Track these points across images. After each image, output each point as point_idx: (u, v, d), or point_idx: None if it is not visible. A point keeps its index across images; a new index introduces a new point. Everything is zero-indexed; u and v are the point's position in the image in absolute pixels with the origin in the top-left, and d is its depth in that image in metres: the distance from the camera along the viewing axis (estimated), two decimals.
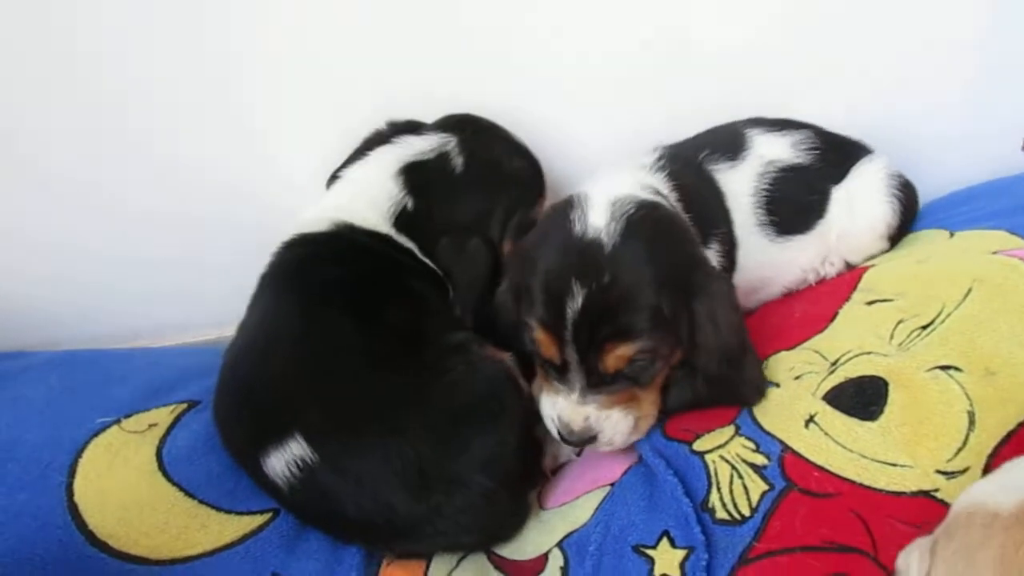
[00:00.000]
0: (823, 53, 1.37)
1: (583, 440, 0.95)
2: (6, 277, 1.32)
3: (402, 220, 1.16)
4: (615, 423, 0.95)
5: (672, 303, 0.89)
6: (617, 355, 0.89)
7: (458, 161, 1.20)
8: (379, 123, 1.26)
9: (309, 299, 1.04)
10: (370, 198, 1.16)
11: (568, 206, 0.94)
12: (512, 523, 0.99)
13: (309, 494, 0.93)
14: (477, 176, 1.20)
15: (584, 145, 1.38)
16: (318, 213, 1.16)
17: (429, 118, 1.27)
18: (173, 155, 1.29)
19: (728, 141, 1.21)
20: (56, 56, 1.18)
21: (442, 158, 1.20)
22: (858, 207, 1.22)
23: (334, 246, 1.12)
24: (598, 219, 0.91)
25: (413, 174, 1.18)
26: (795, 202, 1.19)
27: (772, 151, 1.20)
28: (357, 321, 1.01)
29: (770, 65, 1.37)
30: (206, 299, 1.34)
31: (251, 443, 0.96)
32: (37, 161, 1.25)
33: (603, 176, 1.08)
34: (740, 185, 1.17)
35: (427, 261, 1.16)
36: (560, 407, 0.95)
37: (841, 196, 1.22)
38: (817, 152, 1.21)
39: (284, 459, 0.92)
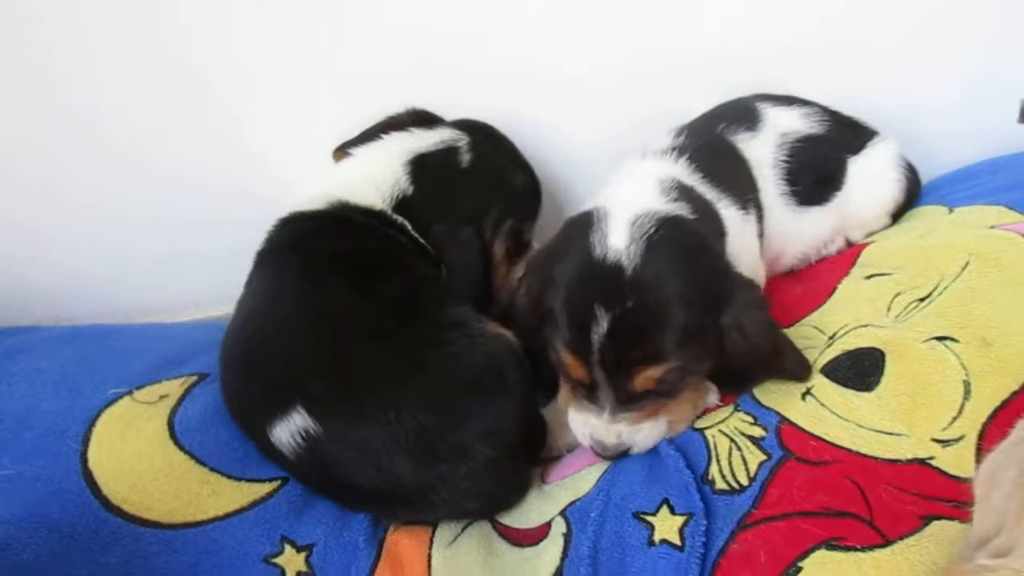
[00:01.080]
0: (821, 33, 1.37)
1: (617, 454, 0.95)
2: (21, 258, 1.35)
3: (401, 205, 1.18)
4: (647, 434, 0.95)
5: (699, 320, 0.88)
6: (646, 377, 0.88)
7: (465, 158, 1.23)
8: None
9: (307, 272, 1.06)
10: (376, 181, 1.18)
11: (588, 224, 0.93)
12: (515, 492, 1.00)
13: (315, 463, 0.94)
14: (479, 176, 1.23)
15: (584, 146, 1.41)
16: (317, 190, 1.18)
17: None
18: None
19: (743, 114, 1.22)
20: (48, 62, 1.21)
21: (450, 152, 1.23)
22: (872, 183, 1.24)
23: (330, 222, 1.14)
24: (618, 240, 0.89)
25: (421, 164, 1.21)
26: (815, 173, 1.21)
27: (785, 123, 1.21)
28: (355, 293, 1.02)
29: (771, 54, 1.37)
30: (215, 276, 1.34)
31: (256, 415, 0.98)
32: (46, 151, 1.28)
33: (624, 178, 1.08)
34: (761, 155, 1.18)
35: (419, 238, 1.18)
36: (592, 426, 0.95)
37: (858, 170, 1.24)
38: (829, 123, 1.23)
39: (289, 430, 0.93)
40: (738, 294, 0.91)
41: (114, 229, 1.35)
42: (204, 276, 1.37)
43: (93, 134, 1.27)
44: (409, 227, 1.17)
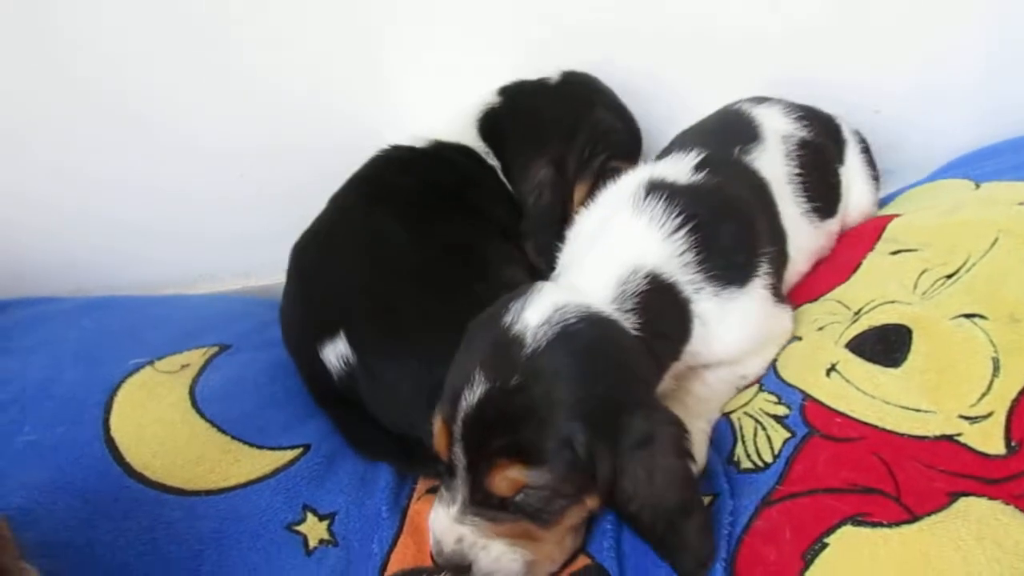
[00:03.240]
0: (839, 14, 1.36)
1: (453, 566, 0.79)
2: (40, 231, 1.35)
3: (487, 124, 1.21)
4: (495, 558, 0.78)
5: (590, 440, 0.74)
6: (506, 476, 0.74)
7: (554, 79, 1.25)
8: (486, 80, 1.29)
9: (371, 202, 1.09)
10: (464, 107, 1.23)
11: (519, 294, 0.82)
12: None
13: (353, 391, 0.98)
14: (567, 95, 1.24)
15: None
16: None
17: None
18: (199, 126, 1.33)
19: (744, 126, 1.14)
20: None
21: (542, 79, 1.26)
22: (857, 186, 1.25)
23: (419, 157, 1.17)
24: (533, 316, 0.78)
25: (510, 86, 1.25)
26: (823, 183, 1.16)
27: (778, 126, 1.15)
28: (416, 235, 1.04)
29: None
30: (231, 250, 1.36)
31: (306, 333, 1.01)
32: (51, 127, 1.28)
33: (598, 248, 0.94)
34: (775, 170, 1.09)
35: (507, 184, 1.19)
36: (434, 518, 0.81)
37: (847, 176, 1.23)
38: (807, 124, 1.18)
39: (335, 353, 0.97)
40: (653, 428, 0.76)
41: (134, 201, 1.36)
42: (221, 249, 1.37)
43: (112, 107, 1.28)
44: (499, 170, 1.19)
